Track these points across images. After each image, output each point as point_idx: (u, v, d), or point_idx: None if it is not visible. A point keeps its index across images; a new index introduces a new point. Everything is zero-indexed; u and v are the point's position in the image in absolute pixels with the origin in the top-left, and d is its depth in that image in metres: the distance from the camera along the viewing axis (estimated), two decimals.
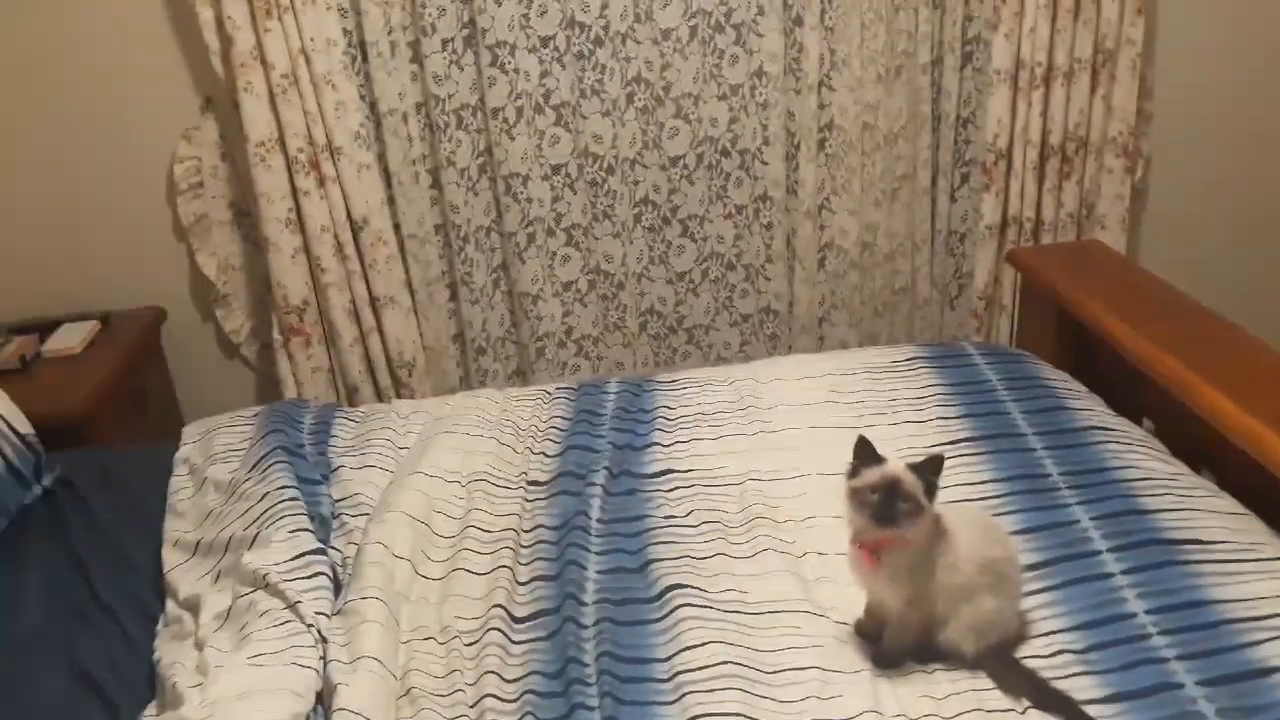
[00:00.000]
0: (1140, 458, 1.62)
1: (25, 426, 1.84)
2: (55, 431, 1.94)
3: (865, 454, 1.23)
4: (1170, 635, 1.27)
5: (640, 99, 2.50)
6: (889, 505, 1.20)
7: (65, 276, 2.53)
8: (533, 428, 1.86)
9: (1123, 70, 2.47)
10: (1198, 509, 1.48)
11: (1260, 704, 1.15)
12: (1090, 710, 1.17)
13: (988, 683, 1.23)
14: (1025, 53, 2.43)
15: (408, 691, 1.27)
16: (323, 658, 1.29)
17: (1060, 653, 1.27)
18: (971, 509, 1.49)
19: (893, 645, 1.28)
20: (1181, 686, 1.19)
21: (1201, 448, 1.68)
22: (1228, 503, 1.51)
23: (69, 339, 2.37)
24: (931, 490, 1.21)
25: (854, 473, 1.23)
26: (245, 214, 2.50)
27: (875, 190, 2.58)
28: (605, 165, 2.54)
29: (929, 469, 1.22)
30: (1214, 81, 2.64)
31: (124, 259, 2.53)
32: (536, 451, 1.78)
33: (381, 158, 2.43)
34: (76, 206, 2.48)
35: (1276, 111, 2.68)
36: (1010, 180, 2.56)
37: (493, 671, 1.30)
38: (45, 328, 2.41)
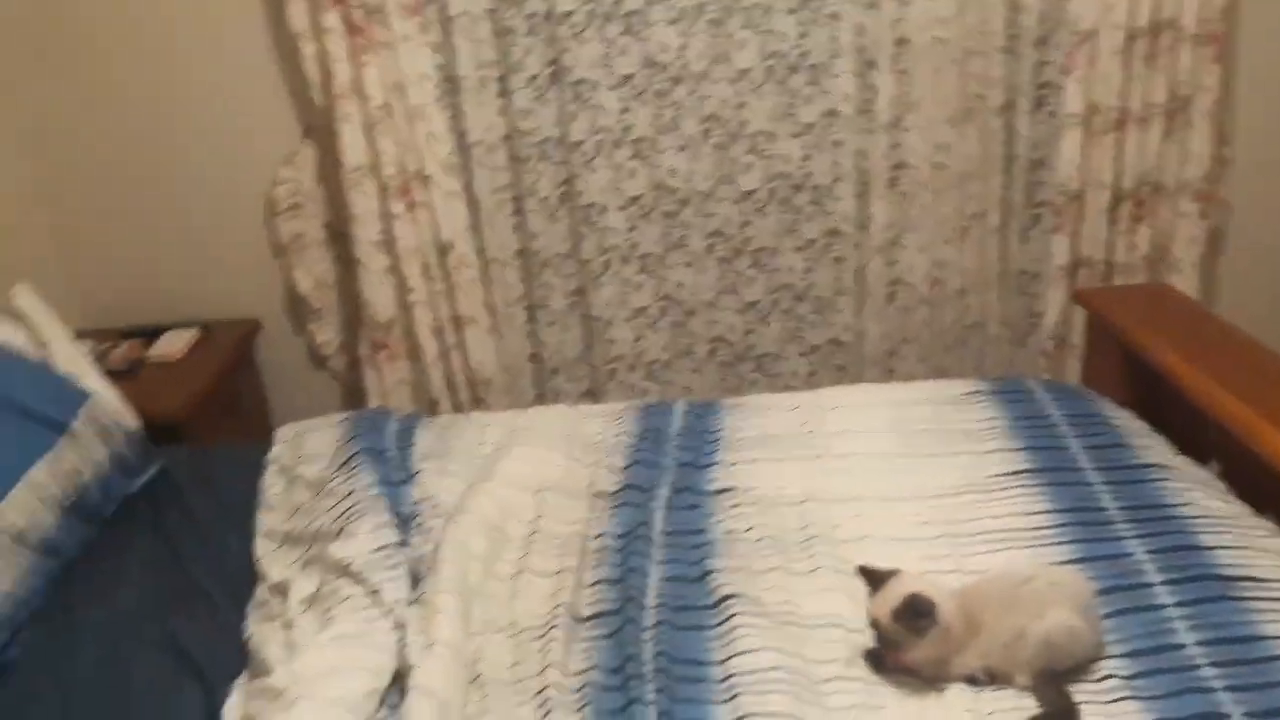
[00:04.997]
0: (1199, 496, 1.63)
1: (132, 422, 1.97)
2: (156, 431, 2.06)
3: (871, 581, 1.36)
4: (1220, 667, 1.28)
5: (715, 135, 2.58)
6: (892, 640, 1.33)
7: (172, 287, 2.69)
8: (601, 443, 1.93)
9: (1198, 116, 2.48)
10: (1255, 547, 1.49)
11: None
12: None
13: (1032, 702, 1.27)
14: (1098, 97, 2.46)
15: (477, 678, 1.35)
16: (400, 641, 1.38)
17: (1108, 678, 1.30)
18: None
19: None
20: (1228, 717, 1.21)
21: (1267, 490, 1.68)
22: None
23: (172, 345, 2.52)
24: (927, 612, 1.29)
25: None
26: (338, 234, 2.63)
27: (946, 228, 2.62)
28: (680, 198, 2.63)
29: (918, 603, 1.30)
30: None
31: (225, 273, 2.69)
32: (604, 465, 1.85)
33: (468, 186, 2.55)
34: (186, 223, 2.64)
35: None
36: (1082, 222, 2.58)
37: (556, 664, 1.37)
38: (151, 334, 2.57)
